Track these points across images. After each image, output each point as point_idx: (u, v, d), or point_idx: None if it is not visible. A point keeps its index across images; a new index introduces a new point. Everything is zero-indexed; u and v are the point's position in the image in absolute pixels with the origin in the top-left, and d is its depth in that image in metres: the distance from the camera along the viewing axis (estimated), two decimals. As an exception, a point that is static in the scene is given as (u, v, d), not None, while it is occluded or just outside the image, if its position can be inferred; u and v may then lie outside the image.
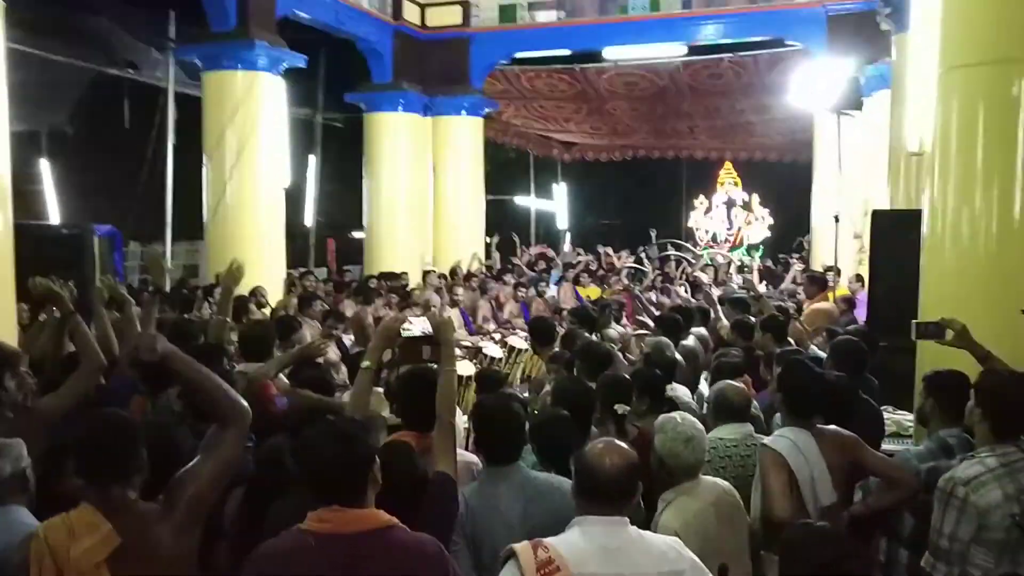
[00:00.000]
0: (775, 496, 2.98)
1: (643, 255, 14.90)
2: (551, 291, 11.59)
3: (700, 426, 3.15)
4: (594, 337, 6.07)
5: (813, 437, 3.22)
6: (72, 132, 14.78)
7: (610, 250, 14.83)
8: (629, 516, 2.34)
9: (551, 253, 16.18)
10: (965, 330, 3.80)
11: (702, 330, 6.57)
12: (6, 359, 3.14)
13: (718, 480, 3.19)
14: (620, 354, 5.29)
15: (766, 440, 3.23)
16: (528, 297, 10.90)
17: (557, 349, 5.51)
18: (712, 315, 7.03)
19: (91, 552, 2.18)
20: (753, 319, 6.12)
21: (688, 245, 16.62)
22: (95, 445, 2.26)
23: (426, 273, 11.58)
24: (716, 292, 9.20)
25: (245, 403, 2.49)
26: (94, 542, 2.19)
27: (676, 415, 3.21)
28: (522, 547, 2.23)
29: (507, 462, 2.94)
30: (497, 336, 9.40)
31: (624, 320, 8.47)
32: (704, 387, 5.02)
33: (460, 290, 10.39)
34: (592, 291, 11.52)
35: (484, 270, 13.06)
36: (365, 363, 3.13)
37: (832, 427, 3.30)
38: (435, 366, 3.06)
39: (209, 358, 3.29)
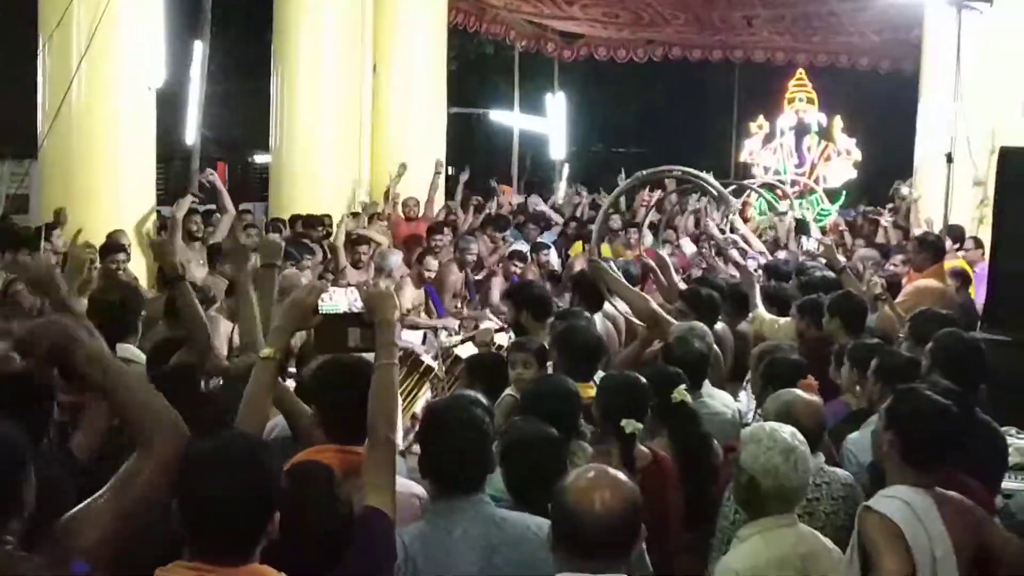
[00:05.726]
0: None
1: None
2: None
3: (801, 437, 3.28)
4: (598, 318, 6.10)
5: (935, 503, 3.23)
6: None
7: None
8: (627, 573, 2.42)
9: (538, 203, 15.76)
10: None
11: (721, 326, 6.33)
12: None
13: (818, 534, 3.25)
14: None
15: (871, 503, 3.23)
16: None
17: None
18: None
19: None
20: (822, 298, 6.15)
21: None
22: None
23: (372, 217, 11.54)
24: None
25: (177, 418, 2.47)
26: None
27: (767, 423, 3.39)
28: None
29: (465, 493, 3.00)
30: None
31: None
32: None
33: (379, 237, 10.34)
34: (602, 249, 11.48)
35: (455, 216, 12.87)
36: (265, 351, 3.15)
37: (955, 494, 3.32)
38: (367, 356, 3.10)
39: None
